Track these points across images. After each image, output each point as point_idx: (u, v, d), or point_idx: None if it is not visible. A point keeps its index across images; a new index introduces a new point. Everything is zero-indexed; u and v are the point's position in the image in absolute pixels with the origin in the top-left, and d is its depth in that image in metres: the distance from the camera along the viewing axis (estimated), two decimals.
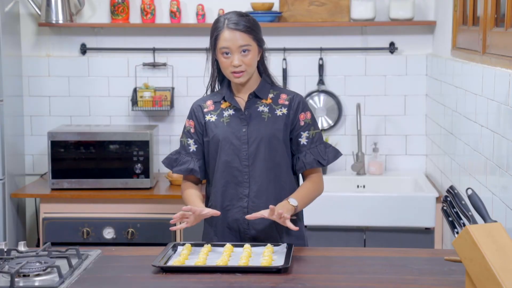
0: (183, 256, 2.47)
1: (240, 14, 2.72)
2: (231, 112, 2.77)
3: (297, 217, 2.76)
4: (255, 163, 2.72)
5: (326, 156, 2.77)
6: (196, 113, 2.81)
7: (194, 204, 2.69)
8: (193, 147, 2.81)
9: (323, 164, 2.76)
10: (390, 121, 4.51)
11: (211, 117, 2.78)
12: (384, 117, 4.51)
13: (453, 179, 3.69)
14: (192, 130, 2.81)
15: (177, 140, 4.51)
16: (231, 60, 2.67)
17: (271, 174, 2.73)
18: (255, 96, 2.76)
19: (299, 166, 2.78)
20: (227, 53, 2.67)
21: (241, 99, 2.78)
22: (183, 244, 2.59)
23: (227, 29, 2.67)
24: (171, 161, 2.85)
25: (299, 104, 2.77)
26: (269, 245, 2.56)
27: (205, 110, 2.80)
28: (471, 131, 3.28)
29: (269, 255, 2.45)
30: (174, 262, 2.43)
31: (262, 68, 2.80)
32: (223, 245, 2.58)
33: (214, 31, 2.71)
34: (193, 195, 2.77)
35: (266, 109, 2.75)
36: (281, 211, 2.53)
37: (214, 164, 2.77)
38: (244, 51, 2.67)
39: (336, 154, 2.80)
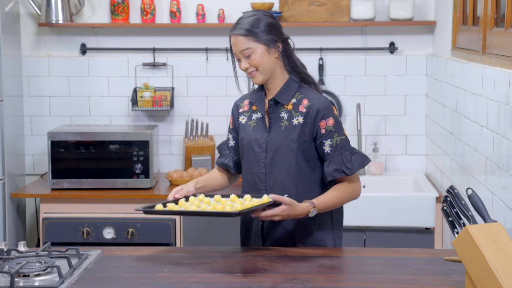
0: (171, 205, 2.57)
1: (246, 16, 2.69)
2: (259, 115, 2.76)
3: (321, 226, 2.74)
4: (271, 172, 2.70)
5: (350, 164, 2.63)
6: (234, 111, 2.86)
7: (203, 177, 2.85)
8: (231, 142, 2.87)
9: (347, 174, 2.62)
10: (390, 121, 4.51)
11: (243, 118, 2.80)
12: (384, 117, 4.51)
13: (453, 179, 3.69)
14: (231, 126, 2.87)
15: (177, 140, 4.55)
16: (241, 64, 2.69)
17: (287, 184, 2.67)
18: (275, 103, 2.72)
19: (324, 176, 2.70)
20: (238, 59, 2.69)
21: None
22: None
23: (231, 34, 2.68)
24: (219, 150, 2.94)
25: (317, 112, 2.64)
26: (266, 197, 2.55)
27: (240, 110, 2.82)
28: (471, 131, 3.28)
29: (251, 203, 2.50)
30: (157, 206, 2.55)
31: (289, 65, 2.72)
32: (227, 196, 2.65)
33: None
34: (210, 173, 2.92)
35: (286, 116, 2.70)
36: (274, 212, 2.50)
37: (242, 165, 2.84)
38: (247, 55, 2.65)
39: (363, 161, 2.66)
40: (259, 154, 2.71)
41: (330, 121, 2.65)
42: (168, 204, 2.59)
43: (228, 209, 2.47)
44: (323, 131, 2.64)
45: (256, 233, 2.75)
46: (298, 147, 2.66)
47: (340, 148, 2.64)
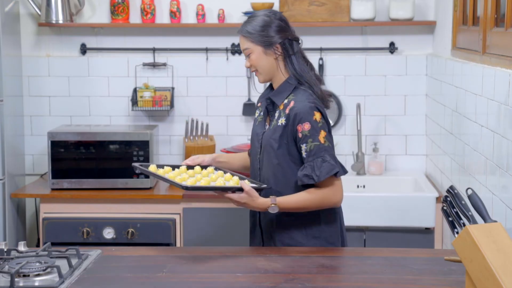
0: (167, 169, 2.75)
1: (254, 15, 2.77)
2: (264, 112, 2.85)
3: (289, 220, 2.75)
4: (262, 168, 2.77)
5: (319, 171, 2.61)
6: (256, 104, 2.99)
7: (229, 154, 3.08)
8: None
9: (315, 180, 2.61)
10: (390, 121, 4.51)
11: (257, 112, 2.91)
12: (384, 117, 4.51)
13: (453, 179, 3.69)
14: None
15: (177, 140, 4.55)
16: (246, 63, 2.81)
17: (271, 182, 2.73)
18: (271, 102, 2.79)
19: None
20: (245, 57, 2.80)
21: None
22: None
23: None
24: None
25: (296, 115, 2.65)
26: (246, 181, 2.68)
27: (258, 104, 2.92)
28: (471, 131, 3.28)
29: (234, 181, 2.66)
30: (150, 167, 2.75)
31: (289, 66, 2.75)
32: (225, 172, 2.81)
33: None
34: (240, 153, 3.10)
35: (276, 116, 2.75)
36: (231, 196, 2.60)
37: None
38: (247, 54, 2.75)
39: (330, 170, 2.61)
40: (257, 149, 2.80)
41: (306, 126, 2.65)
42: (165, 167, 2.78)
43: (190, 182, 2.62)
44: (300, 135, 2.66)
45: (258, 225, 2.81)
46: (280, 147, 2.70)
47: (313, 154, 2.64)
